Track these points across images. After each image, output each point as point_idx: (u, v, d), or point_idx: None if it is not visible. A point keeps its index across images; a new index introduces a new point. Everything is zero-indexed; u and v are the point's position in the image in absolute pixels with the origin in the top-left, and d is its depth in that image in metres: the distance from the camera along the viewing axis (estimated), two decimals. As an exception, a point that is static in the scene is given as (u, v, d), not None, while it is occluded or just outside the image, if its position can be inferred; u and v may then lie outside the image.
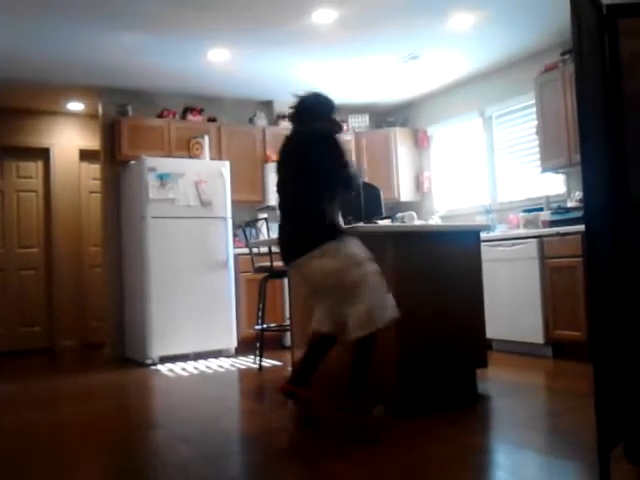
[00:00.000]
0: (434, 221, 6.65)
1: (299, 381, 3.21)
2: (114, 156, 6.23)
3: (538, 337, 4.94)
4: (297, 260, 3.20)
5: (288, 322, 5.02)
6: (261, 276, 5.23)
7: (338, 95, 6.94)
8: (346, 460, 2.66)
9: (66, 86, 6.23)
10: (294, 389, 3.20)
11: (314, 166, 3.20)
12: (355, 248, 3.17)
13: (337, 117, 3.60)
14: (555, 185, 5.68)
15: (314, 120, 3.45)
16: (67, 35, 4.92)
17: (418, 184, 7.27)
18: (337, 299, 3.17)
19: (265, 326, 5.28)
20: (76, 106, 6.97)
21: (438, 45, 5.53)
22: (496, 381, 4.10)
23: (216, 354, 5.86)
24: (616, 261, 2.37)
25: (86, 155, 7.26)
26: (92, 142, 6.98)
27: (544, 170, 5.50)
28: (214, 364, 5.48)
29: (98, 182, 6.75)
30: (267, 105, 7.07)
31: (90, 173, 7.37)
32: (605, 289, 2.20)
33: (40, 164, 7.23)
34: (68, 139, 7.25)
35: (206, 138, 6.35)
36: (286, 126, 6.91)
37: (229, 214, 6.07)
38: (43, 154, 7.18)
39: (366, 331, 3.02)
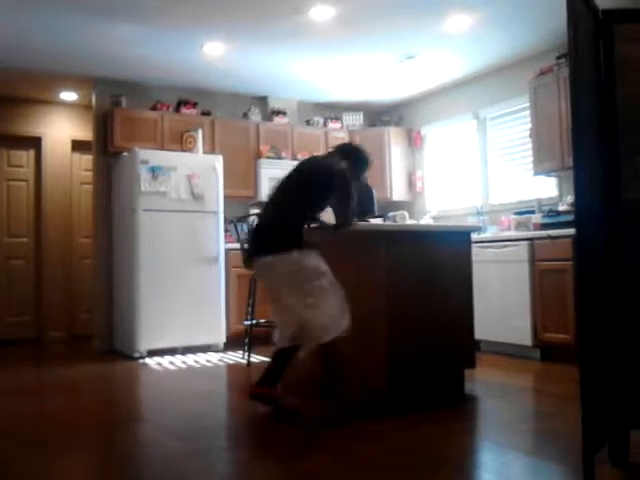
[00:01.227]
0: (426, 221, 6.67)
1: (265, 383, 3.33)
2: (106, 147, 6.20)
3: (526, 339, 4.96)
4: (268, 256, 3.30)
5: (277, 318, 5.01)
6: (251, 272, 5.22)
7: (333, 92, 6.99)
8: (331, 456, 2.67)
9: (60, 75, 6.19)
10: (261, 391, 3.32)
11: (321, 192, 3.42)
12: (318, 260, 3.32)
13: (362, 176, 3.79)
14: (547, 188, 5.71)
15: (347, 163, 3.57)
16: (62, 24, 4.89)
17: (411, 184, 7.28)
18: (299, 298, 3.28)
19: (254, 322, 5.28)
20: (69, 96, 6.93)
21: (434, 45, 5.54)
22: (484, 382, 4.11)
23: (205, 349, 5.85)
24: (606, 265, 2.38)
25: (78, 145, 7.22)
26: (84, 132, 6.94)
27: (536, 173, 5.52)
28: (202, 359, 5.47)
29: (90, 173, 6.71)
30: (262, 100, 7.05)
31: (82, 164, 7.33)
32: (594, 293, 2.21)
33: (31, 153, 7.18)
34: (60, 129, 7.21)
35: (199, 132, 6.33)
36: (280, 122, 6.93)
37: (221, 209, 6.05)
38: (35, 143, 7.13)
39: (330, 336, 3.19)
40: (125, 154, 5.96)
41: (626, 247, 2.42)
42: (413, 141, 7.28)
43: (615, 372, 2.37)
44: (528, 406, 3.73)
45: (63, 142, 7.22)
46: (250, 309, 5.21)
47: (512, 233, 5.43)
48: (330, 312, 3.23)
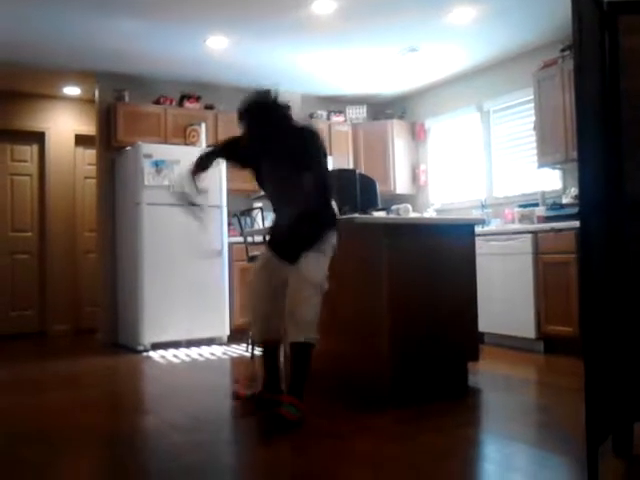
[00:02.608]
0: (429, 214, 6.66)
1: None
2: (110, 142, 6.20)
3: (530, 332, 4.97)
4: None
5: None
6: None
7: (336, 86, 6.97)
8: (335, 449, 2.68)
9: (63, 70, 6.19)
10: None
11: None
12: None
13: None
14: (551, 181, 5.69)
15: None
16: (65, 19, 4.88)
17: (414, 177, 7.27)
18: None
19: (258, 315, 5.28)
20: (72, 90, 6.93)
21: (438, 38, 5.52)
22: (487, 375, 4.12)
23: (208, 342, 5.87)
24: (609, 258, 2.38)
25: (82, 140, 7.22)
26: (88, 127, 6.94)
27: (540, 166, 5.51)
28: (206, 352, 5.49)
29: (93, 167, 6.73)
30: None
31: (85, 158, 7.34)
32: (597, 285, 2.21)
33: (35, 148, 7.19)
34: (64, 123, 7.21)
35: (203, 126, 6.33)
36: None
37: (224, 203, 6.06)
38: (38, 138, 7.13)
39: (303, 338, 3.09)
40: (128, 148, 5.97)
41: (630, 239, 2.41)
42: (417, 134, 7.27)
43: (619, 364, 2.38)
44: (532, 398, 3.74)
45: (67, 137, 7.23)
46: (254, 302, 5.21)
47: (516, 226, 5.43)
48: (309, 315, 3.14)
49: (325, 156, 3.28)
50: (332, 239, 3.22)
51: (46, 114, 7.11)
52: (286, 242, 3.26)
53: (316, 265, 3.13)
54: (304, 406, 3.03)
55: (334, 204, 3.37)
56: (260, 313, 3.30)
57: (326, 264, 3.18)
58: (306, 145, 3.18)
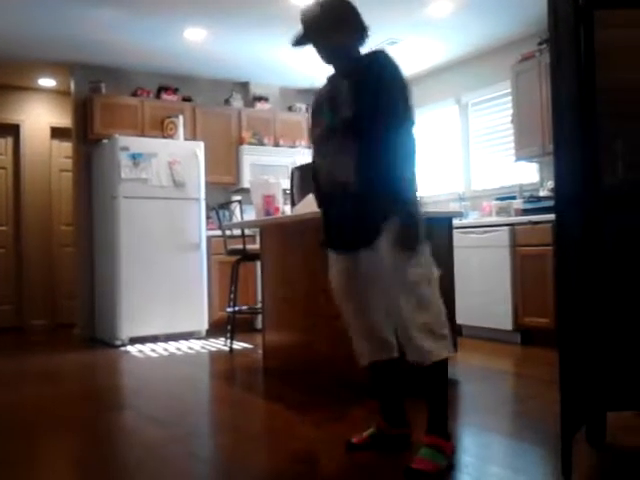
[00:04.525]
0: (408, 207, 6.66)
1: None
2: (86, 134, 6.12)
3: (507, 324, 5.01)
4: None
5: (260, 305, 5.02)
6: (234, 258, 5.22)
7: (315, 78, 6.93)
8: (315, 439, 2.68)
9: (38, 61, 6.09)
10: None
11: None
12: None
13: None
14: (528, 174, 5.74)
15: None
16: (40, 8, 4.80)
17: (393, 170, 7.27)
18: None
19: (237, 308, 5.28)
20: (48, 82, 6.83)
21: (417, 31, 5.52)
22: (465, 366, 4.15)
23: (187, 336, 5.84)
24: (585, 250, 2.40)
25: (57, 132, 7.13)
26: (64, 119, 6.85)
27: (518, 159, 5.55)
28: (184, 346, 5.46)
29: (69, 160, 6.65)
30: (243, 86, 7.00)
31: (61, 151, 7.24)
32: (573, 277, 2.23)
33: (10, 140, 7.08)
34: (39, 116, 7.11)
35: (180, 118, 6.27)
36: (262, 108, 6.89)
37: (202, 195, 6.02)
38: (13, 130, 7.02)
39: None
40: (105, 141, 5.90)
41: (605, 232, 2.44)
42: (395, 127, 7.27)
43: (593, 355, 2.40)
44: (508, 389, 3.78)
45: (42, 129, 7.13)
46: (232, 296, 5.20)
47: (493, 219, 5.46)
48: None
49: None
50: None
51: (21, 106, 7.00)
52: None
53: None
54: (451, 445, 2.36)
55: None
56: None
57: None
58: None
